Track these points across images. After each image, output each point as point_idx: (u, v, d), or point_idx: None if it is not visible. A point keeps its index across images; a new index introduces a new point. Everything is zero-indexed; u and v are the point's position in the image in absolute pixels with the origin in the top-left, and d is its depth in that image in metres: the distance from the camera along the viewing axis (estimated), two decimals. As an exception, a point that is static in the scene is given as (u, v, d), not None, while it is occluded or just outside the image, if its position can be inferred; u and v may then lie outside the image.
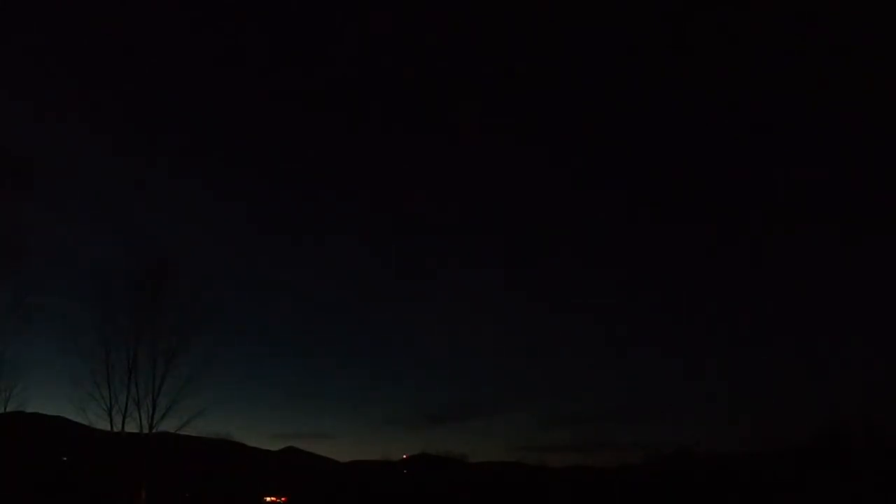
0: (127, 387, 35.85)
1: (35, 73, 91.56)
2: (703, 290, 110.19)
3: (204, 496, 48.97)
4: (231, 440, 57.92)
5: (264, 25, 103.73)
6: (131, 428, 36.06)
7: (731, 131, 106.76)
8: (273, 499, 58.70)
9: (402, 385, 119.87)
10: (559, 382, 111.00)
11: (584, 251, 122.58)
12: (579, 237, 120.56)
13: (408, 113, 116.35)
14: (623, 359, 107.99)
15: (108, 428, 35.82)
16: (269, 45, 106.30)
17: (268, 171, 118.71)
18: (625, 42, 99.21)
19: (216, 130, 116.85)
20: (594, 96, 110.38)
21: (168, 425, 36.47)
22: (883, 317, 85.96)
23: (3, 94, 61.04)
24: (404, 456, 72.33)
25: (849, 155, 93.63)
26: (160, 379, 36.27)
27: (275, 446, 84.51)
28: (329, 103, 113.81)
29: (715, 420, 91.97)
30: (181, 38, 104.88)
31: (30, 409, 38.33)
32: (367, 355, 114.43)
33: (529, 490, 56.62)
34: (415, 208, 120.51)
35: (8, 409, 33.94)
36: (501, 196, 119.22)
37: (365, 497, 59.44)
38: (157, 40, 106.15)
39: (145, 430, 35.96)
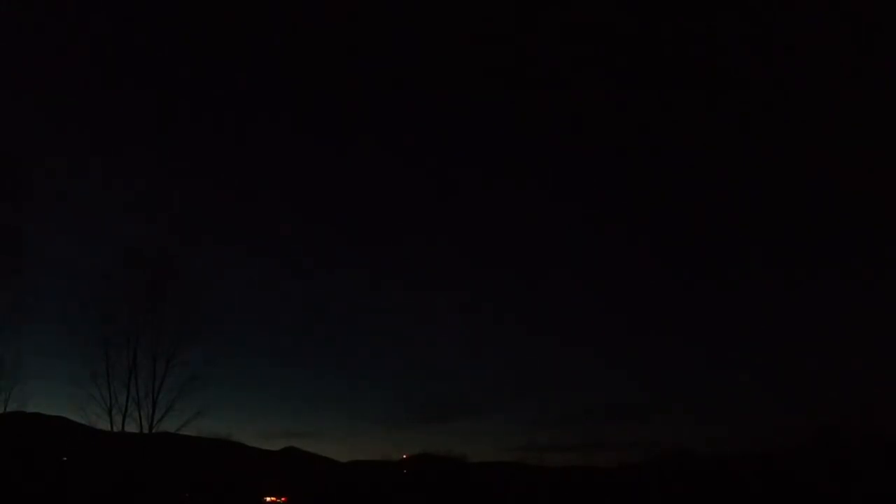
0: (127, 387, 35.92)
1: (36, 75, 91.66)
2: (703, 290, 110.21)
3: (204, 496, 48.91)
4: (231, 440, 57.87)
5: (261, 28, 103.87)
6: (131, 428, 36.11)
7: (716, 130, 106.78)
8: (273, 499, 58.64)
9: (402, 385, 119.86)
10: (559, 382, 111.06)
11: (582, 250, 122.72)
12: (577, 235, 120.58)
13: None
14: (623, 358, 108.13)
15: (109, 428, 35.85)
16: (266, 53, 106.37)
17: (266, 180, 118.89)
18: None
19: (217, 135, 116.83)
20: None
21: (168, 425, 36.54)
22: (883, 316, 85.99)
23: (4, 97, 61.05)
24: (404, 456, 72.31)
25: (847, 156, 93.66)
26: (160, 379, 36.36)
27: (275, 446, 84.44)
28: (323, 117, 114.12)
29: (715, 420, 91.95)
30: (181, 42, 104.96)
31: (30, 409, 38.37)
32: (367, 356, 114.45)
33: (529, 490, 56.61)
34: (413, 210, 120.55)
35: (8, 409, 33.96)
36: (497, 196, 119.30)
37: (365, 497, 59.38)
38: (156, 44, 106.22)
39: (145, 430, 35.97)
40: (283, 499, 58.89)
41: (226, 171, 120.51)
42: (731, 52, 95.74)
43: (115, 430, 35.73)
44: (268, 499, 58.36)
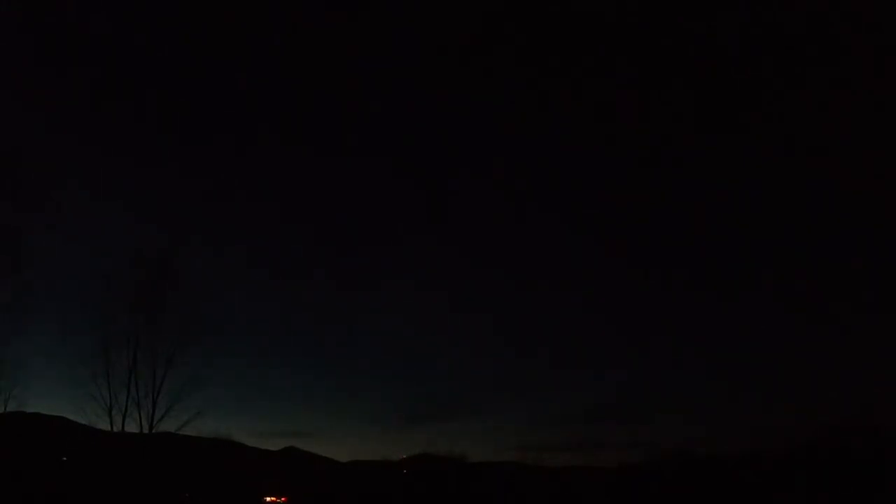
0: (127, 387, 35.96)
1: (36, 75, 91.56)
2: (703, 290, 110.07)
3: (204, 496, 48.94)
4: (231, 440, 57.86)
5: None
6: (131, 428, 36.15)
7: (716, 130, 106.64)
8: (273, 499, 58.67)
9: (402, 385, 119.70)
10: (559, 382, 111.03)
11: (582, 249, 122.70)
12: (577, 234, 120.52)
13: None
14: (623, 358, 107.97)
15: (109, 428, 35.89)
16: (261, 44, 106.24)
17: (266, 180, 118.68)
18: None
19: (216, 135, 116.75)
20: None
21: (168, 425, 36.57)
22: (883, 316, 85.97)
23: (4, 97, 60.96)
24: (404, 456, 72.37)
25: (847, 156, 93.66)
26: (160, 379, 36.40)
27: (275, 446, 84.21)
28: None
29: (715, 420, 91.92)
30: (181, 42, 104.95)
31: (30, 409, 38.39)
32: (367, 356, 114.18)
33: (529, 490, 56.66)
34: (413, 210, 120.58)
35: (8, 409, 33.95)
36: (497, 195, 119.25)
37: (365, 497, 59.43)
38: (156, 44, 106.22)
39: (145, 430, 36.01)
40: (283, 499, 58.91)
41: (226, 171, 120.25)
42: (731, 52, 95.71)
43: (115, 430, 35.77)
44: (268, 499, 58.38)
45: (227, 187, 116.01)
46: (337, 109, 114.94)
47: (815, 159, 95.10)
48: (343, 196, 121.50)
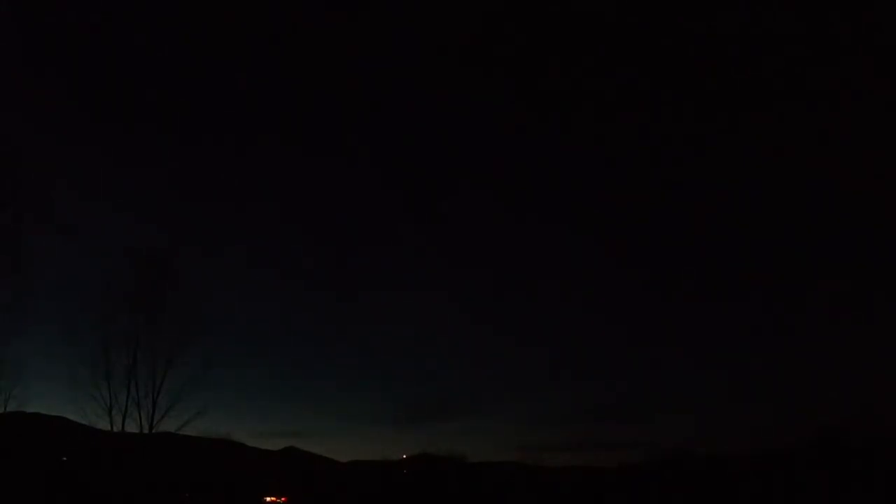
0: (127, 387, 35.92)
1: (36, 75, 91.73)
2: (703, 290, 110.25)
3: (204, 496, 48.97)
4: (231, 440, 57.86)
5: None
6: (131, 428, 36.12)
7: (716, 130, 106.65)
8: (273, 499, 58.70)
9: (401, 385, 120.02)
10: (559, 382, 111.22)
11: (583, 250, 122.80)
12: (578, 235, 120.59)
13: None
14: (623, 359, 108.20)
15: (109, 428, 35.87)
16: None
17: (265, 180, 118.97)
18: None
19: (216, 135, 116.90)
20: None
21: (168, 425, 36.55)
22: (883, 316, 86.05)
23: (4, 97, 60.97)
24: (404, 456, 72.35)
25: (847, 156, 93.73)
26: (160, 379, 36.35)
27: (275, 446, 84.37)
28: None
29: (715, 420, 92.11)
30: (181, 42, 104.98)
31: (30, 409, 38.35)
32: (368, 356, 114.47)
33: (529, 490, 56.66)
34: (414, 210, 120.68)
35: (8, 409, 33.92)
36: (498, 195, 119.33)
37: (365, 497, 59.44)
38: (156, 44, 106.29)
39: (145, 430, 35.99)
40: (283, 499, 58.95)
41: (225, 172, 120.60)
42: (731, 52, 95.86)
43: (115, 430, 35.74)
44: (268, 499, 58.41)
45: (227, 187, 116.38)
46: (337, 109, 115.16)
47: (815, 159, 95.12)
48: (343, 196, 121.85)
